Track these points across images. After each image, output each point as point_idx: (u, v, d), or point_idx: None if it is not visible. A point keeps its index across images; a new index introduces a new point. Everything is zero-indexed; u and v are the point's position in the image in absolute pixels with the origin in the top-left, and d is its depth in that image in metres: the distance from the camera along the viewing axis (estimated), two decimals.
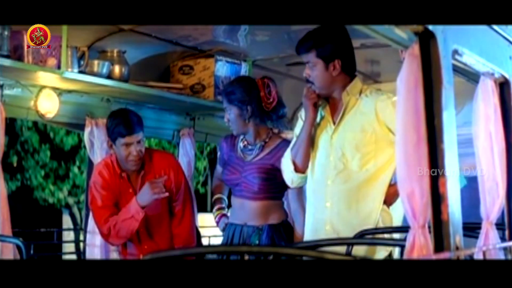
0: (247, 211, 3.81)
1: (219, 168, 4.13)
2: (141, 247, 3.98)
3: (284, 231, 3.81)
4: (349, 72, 3.37)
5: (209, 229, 5.79)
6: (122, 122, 3.87)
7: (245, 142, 3.88)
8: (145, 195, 3.79)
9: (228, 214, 4.05)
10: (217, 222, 4.03)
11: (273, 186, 3.78)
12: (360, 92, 3.35)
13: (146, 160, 3.97)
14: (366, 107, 3.30)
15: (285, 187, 3.81)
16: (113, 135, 3.87)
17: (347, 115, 3.33)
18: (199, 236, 4.33)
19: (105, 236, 3.97)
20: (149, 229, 4.00)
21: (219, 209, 4.04)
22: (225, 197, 4.09)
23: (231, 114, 3.81)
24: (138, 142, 3.87)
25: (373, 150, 3.27)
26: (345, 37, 3.33)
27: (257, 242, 3.74)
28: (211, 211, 4.19)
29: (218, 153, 4.11)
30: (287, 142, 3.84)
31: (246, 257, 3.17)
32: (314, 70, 3.33)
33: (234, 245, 3.68)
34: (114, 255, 4.48)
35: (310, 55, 3.33)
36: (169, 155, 4.35)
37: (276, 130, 3.92)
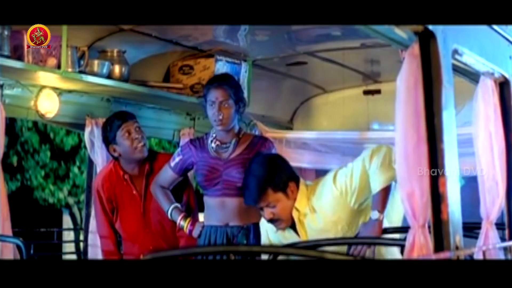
0: (228, 210, 3.77)
1: (167, 173, 3.89)
2: (145, 248, 3.98)
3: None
4: None
5: None
6: (114, 118, 4.01)
7: (218, 142, 3.85)
8: None
9: (198, 219, 3.99)
10: (191, 230, 3.82)
11: None
12: None
13: (150, 161, 3.99)
14: None
15: None
16: (111, 134, 3.95)
17: None
18: None
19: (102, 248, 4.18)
20: (153, 231, 4.01)
21: (185, 217, 3.84)
22: (179, 205, 3.94)
23: (229, 108, 3.77)
24: (137, 128, 3.97)
25: None
26: None
27: (245, 241, 3.72)
28: None
29: (177, 158, 3.87)
30: (259, 137, 3.95)
31: (232, 257, 3.18)
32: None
33: (232, 245, 3.67)
34: None
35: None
36: None
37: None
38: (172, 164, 3.89)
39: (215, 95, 3.77)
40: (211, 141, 3.85)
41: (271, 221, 3.38)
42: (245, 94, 3.96)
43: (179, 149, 3.98)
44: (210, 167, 3.80)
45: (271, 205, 3.34)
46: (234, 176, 3.75)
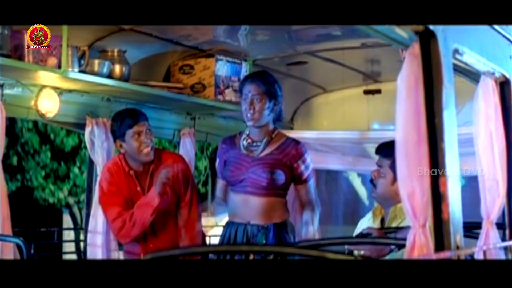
0: (251, 208, 3.80)
1: (219, 184, 4.04)
2: (146, 247, 3.97)
3: (288, 230, 3.83)
4: None
5: (209, 228, 5.78)
6: (127, 115, 3.94)
7: (249, 140, 3.88)
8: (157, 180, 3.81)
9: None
10: None
11: (280, 181, 3.80)
12: None
13: (155, 159, 3.97)
14: None
15: (289, 184, 3.84)
16: (121, 131, 3.91)
17: None
18: (203, 236, 4.33)
19: (118, 231, 3.94)
20: (155, 229, 4.00)
21: None
22: None
23: (260, 103, 3.77)
24: (147, 131, 3.91)
25: None
26: None
27: (264, 241, 3.73)
28: None
29: (217, 165, 4.00)
30: (292, 139, 3.91)
31: (251, 257, 3.18)
32: (382, 177, 3.52)
33: (234, 245, 3.67)
34: (115, 255, 4.48)
35: (384, 161, 3.52)
36: (178, 155, 4.34)
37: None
38: (218, 173, 4.01)
39: (248, 89, 3.81)
40: (244, 139, 3.90)
41: (372, 181, 3.58)
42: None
43: (217, 155, 4.05)
44: (238, 164, 3.85)
45: (382, 171, 3.52)
46: (260, 175, 3.78)
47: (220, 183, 4.05)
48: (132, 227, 3.87)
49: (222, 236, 3.90)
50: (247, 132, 3.91)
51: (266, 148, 3.84)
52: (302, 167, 3.83)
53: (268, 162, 3.80)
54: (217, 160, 4.01)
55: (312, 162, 3.96)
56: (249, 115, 3.78)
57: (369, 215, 3.69)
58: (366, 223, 3.63)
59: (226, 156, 3.93)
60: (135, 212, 3.85)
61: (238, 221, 3.84)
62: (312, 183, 3.91)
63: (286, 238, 3.80)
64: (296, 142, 3.89)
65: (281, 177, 3.79)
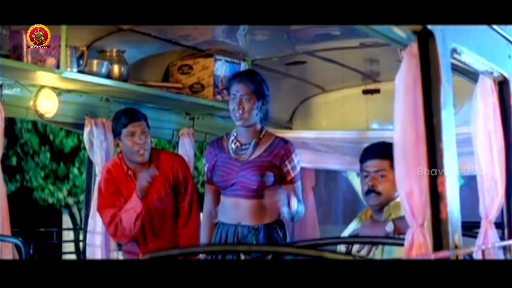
0: (241, 210, 3.78)
1: (207, 189, 3.92)
2: (145, 247, 3.98)
3: (279, 230, 3.81)
4: None
5: None
6: (123, 114, 3.96)
7: (238, 143, 3.84)
8: (138, 183, 3.81)
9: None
10: None
11: (271, 183, 3.78)
12: None
13: (154, 159, 3.98)
14: None
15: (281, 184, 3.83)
16: (117, 129, 3.93)
17: None
18: None
19: (113, 235, 3.98)
20: (154, 229, 4.00)
21: None
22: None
23: (249, 102, 3.76)
24: (142, 132, 3.91)
25: None
26: None
27: (254, 242, 3.72)
28: None
29: (206, 170, 3.91)
30: (280, 139, 3.86)
31: (243, 257, 3.17)
32: (385, 180, 3.44)
33: (231, 245, 3.67)
34: (114, 255, 4.48)
35: (383, 163, 3.45)
36: (177, 155, 4.35)
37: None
38: (206, 178, 3.94)
39: (236, 88, 3.75)
40: (232, 141, 3.84)
41: (368, 192, 3.46)
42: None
43: (204, 160, 4.02)
44: (227, 168, 3.80)
45: (384, 174, 3.44)
46: (250, 178, 3.74)
47: (209, 192, 3.93)
48: (123, 230, 3.90)
49: (216, 237, 3.87)
50: (235, 134, 3.85)
51: (255, 151, 3.80)
52: (288, 167, 3.78)
53: (257, 165, 3.76)
54: (206, 165, 3.93)
55: (309, 162, 3.94)
56: (237, 115, 3.74)
57: (356, 221, 3.63)
58: (353, 227, 3.59)
59: (215, 161, 3.87)
60: (122, 217, 3.87)
61: (229, 222, 3.80)
62: (298, 185, 3.84)
63: (277, 239, 3.77)
64: (284, 141, 3.84)
65: (271, 179, 3.76)
